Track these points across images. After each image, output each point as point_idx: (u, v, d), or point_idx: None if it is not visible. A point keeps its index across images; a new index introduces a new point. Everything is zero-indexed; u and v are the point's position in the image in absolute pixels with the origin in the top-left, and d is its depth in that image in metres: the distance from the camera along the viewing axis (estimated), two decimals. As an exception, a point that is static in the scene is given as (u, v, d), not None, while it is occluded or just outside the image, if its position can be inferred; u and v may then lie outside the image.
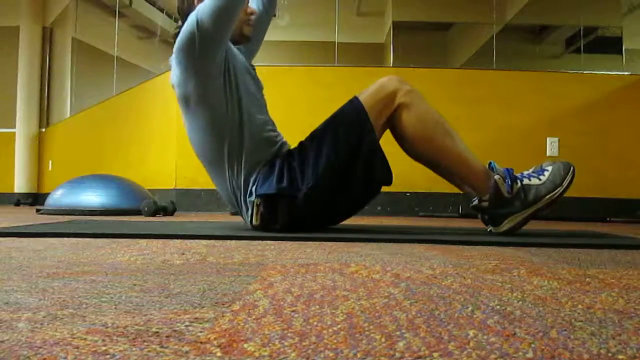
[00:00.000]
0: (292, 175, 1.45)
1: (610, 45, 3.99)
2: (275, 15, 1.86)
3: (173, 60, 1.48)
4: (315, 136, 1.49)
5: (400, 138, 1.54)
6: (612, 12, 4.01)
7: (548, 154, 3.58)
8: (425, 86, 3.62)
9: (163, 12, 5.53)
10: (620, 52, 3.84)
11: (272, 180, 1.45)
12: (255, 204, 1.46)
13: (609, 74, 3.74)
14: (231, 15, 1.42)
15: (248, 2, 1.62)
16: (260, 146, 1.51)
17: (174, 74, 1.50)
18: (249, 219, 1.50)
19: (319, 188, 1.44)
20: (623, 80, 3.71)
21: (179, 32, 1.47)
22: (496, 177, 1.42)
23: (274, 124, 1.61)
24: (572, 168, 1.45)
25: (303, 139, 1.54)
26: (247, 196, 1.50)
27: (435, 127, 1.47)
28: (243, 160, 1.49)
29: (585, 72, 3.75)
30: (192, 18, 1.41)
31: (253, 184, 1.49)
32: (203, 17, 1.39)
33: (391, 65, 4.10)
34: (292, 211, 1.45)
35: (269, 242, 1.24)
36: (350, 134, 1.45)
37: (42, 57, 6.85)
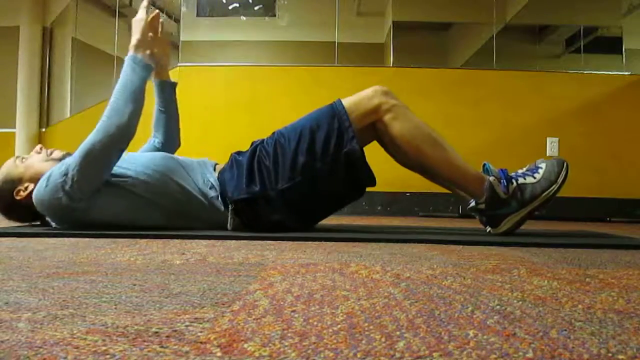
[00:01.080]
0: (264, 176, 1.43)
1: (610, 45, 3.99)
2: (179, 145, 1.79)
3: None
4: (293, 135, 1.45)
5: (390, 151, 1.55)
6: (612, 12, 4.00)
7: (548, 154, 3.58)
8: (425, 86, 3.65)
9: (163, 12, 5.52)
10: (620, 52, 3.84)
11: (241, 182, 1.43)
12: (230, 209, 1.44)
13: (609, 74, 3.74)
14: (118, 152, 1.40)
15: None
16: (197, 197, 1.47)
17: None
18: (228, 224, 1.46)
19: (295, 190, 1.41)
20: (623, 80, 3.70)
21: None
22: (491, 178, 1.42)
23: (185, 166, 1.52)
24: (565, 164, 1.45)
25: (279, 128, 1.51)
26: (217, 199, 1.47)
27: (423, 139, 1.46)
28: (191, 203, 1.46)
29: (585, 72, 3.75)
30: (55, 182, 1.33)
31: (221, 194, 1.46)
32: (74, 179, 1.32)
33: (391, 65, 4.10)
34: (266, 213, 1.43)
35: (269, 242, 1.24)
36: (330, 139, 1.42)
37: (42, 57, 6.84)
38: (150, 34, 1.48)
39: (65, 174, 1.33)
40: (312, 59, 4.26)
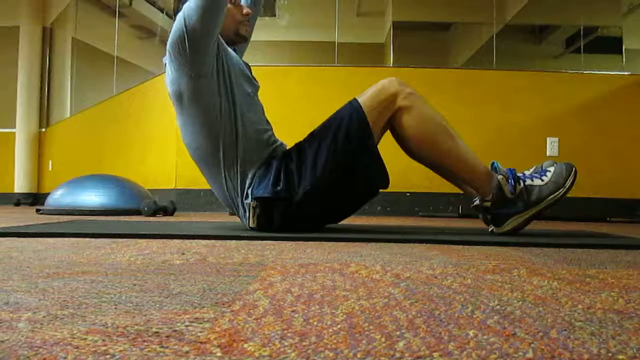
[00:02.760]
0: (289, 178, 1.45)
1: (610, 45, 3.99)
2: (260, 9, 1.85)
3: (167, 59, 1.48)
4: (314, 138, 1.49)
5: (401, 140, 1.54)
6: (612, 12, 4.01)
7: (548, 154, 3.58)
8: (425, 86, 3.64)
9: (163, 12, 5.53)
10: (620, 52, 3.84)
11: (268, 182, 1.45)
12: (251, 206, 1.46)
13: (609, 74, 3.74)
14: (216, 13, 1.42)
15: (239, 1, 1.61)
16: (256, 147, 1.51)
17: (167, 73, 1.50)
18: (247, 220, 1.49)
19: (316, 191, 1.43)
20: (623, 80, 3.71)
21: None
22: (499, 177, 1.42)
23: (269, 124, 1.60)
24: (574, 169, 1.45)
25: (302, 139, 1.54)
26: (244, 198, 1.50)
27: (437, 129, 1.47)
28: (238, 162, 1.49)
29: (585, 72, 3.75)
30: (179, 16, 1.42)
31: (249, 186, 1.49)
32: (189, 16, 1.39)
33: (391, 65, 4.10)
34: (288, 213, 1.45)
35: (269, 242, 1.24)
36: (349, 138, 1.44)
37: (42, 57, 6.85)
38: None
39: (184, 11, 1.40)
40: (312, 59, 4.27)
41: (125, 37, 5.63)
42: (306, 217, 1.48)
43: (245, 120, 1.50)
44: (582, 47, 3.93)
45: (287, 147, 1.57)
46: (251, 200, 1.46)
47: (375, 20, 4.73)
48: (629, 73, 3.73)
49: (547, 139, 3.61)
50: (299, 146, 1.51)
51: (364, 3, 4.80)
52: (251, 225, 1.47)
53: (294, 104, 3.68)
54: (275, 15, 4.64)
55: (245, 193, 1.49)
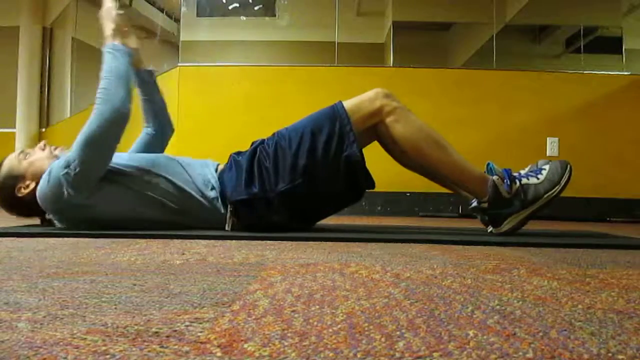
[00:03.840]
0: (264, 177, 1.43)
1: (610, 45, 3.99)
2: (172, 132, 1.81)
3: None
4: (294, 136, 1.45)
5: (392, 154, 1.55)
6: (612, 12, 4.00)
7: (548, 154, 3.58)
8: (425, 86, 3.65)
9: (163, 12, 5.53)
10: (620, 52, 3.84)
11: (240, 183, 1.43)
12: (229, 209, 1.44)
13: (609, 74, 3.73)
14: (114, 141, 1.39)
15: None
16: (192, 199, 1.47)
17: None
18: (225, 224, 1.46)
19: (295, 191, 1.41)
20: (623, 80, 3.70)
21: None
22: (495, 178, 1.42)
23: (181, 167, 1.52)
24: (569, 166, 1.45)
25: (280, 129, 1.51)
26: (217, 200, 1.47)
27: (426, 141, 1.46)
28: (194, 197, 1.47)
29: (585, 72, 3.75)
30: (55, 177, 1.34)
31: (216, 190, 1.47)
32: (73, 166, 1.33)
33: (391, 65, 4.10)
34: (264, 213, 1.43)
35: (269, 242, 1.24)
36: (331, 141, 1.41)
37: (42, 57, 6.84)
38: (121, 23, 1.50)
39: (67, 166, 1.33)
40: (312, 59, 4.26)
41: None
42: (283, 217, 1.45)
43: (166, 197, 1.45)
44: (582, 47, 3.93)
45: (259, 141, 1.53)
46: (229, 205, 1.44)
47: (375, 20, 4.73)
48: (629, 73, 3.73)
49: (547, 139, 3.61)
50: (277, 143, 1.46)
51: (364, 3, 4.80)
52: (227, 228, 1.45)
53: (293, 104, 3.67)
54: (275, 15, 4.64)
55: (217, 196, 1.48)
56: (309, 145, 1.42)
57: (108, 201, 1.41)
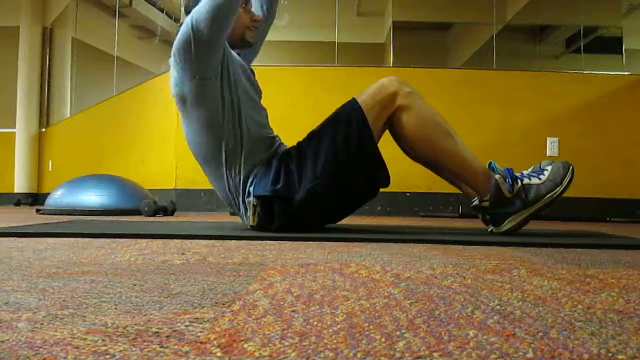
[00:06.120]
0: (289, 177, 1.46)
1: (610, 45, 3.99)
2: (274, 18, 1.85)
3: (171, 60, 1.48)
4: (313, 138, 1.49)
5: (400, 139, 1.54)
6: (612, 12, 4.01)
7: (548, 154, 3.58)
8: (425, 86, 3.63)
9: (163, 12, 5.53)
10: (620, 52, 3.84)
11: (267, 181, 1.46)
12: (252, 204, 1.46)
13: (609, 74, 3.74)
14: (225, 18, 1.42)
15: (250, 6, 1.61)
16: (258, 147, 1.52)
17: (171, 74, 1.50)
18: (247, 219, 1.50)
19: (316, 191, 1.43)
20: (623, 80, 3.71)
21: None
22: (497, 176, 1.42)
23: (270, 127, 1.61)
24: (571, 167, 1.46)
25: (302, 138, 1.54)
26: (245, 196, 1.51)
27: (435, 129, 1.47)
28: (241, 161, 1.50)
29: (585, 72, 3.75)
30: (187, 20, 1.42)
31: (250, 185, 1.49)
32: (198, 20, 1.39)
33: (391, 65, 4.10)
34: (288, 212, 1.45)
35: (269, 242, 1.24)
36: (349, 139, 1.44)
37: (42, 57, 6.85)
38: None
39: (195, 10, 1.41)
40: (312, 59, 4.27)
41: (125, 37, 5.63)
42: (306, 217, 1.48)
43: (249, 123, 1.51)
44: (582, 47, 3.93)
45: (287, 147, 1.57)
46: (252, 199, 1.46)
47: (375, 20, 4.73)
48: (629, 73, 3.73)
49: (547, 139, 3.61)
50: (299, 146, 1.52)
51: (364, 3, 4.80)
52: (251, 223, 1.47)
53: (294, 104, 3.68)
54: (274, 18, 4.64)
55: (247, 191, 1.50)
56: (328, 144, 1.45)
57: (208, 94, 1.46)
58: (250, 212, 1.47)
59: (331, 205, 1.52)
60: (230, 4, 1.42)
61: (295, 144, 1.55)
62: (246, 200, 1.50)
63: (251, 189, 1.49)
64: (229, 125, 1.48)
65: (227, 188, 1.53)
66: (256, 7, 1.74)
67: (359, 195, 1.54)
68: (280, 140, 1.60)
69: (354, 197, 1.54)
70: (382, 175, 1.47)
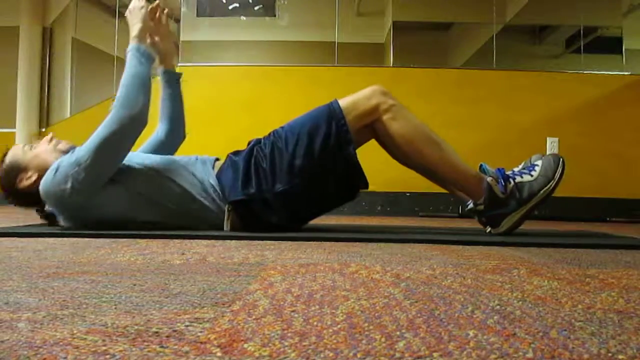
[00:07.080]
0: (261, 178, 1.43)
1: (610, 45, 3.98)
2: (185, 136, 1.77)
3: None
4: (289, 138, 1.44)
5: (389, 151, 1.55)
6: (612, 12, 4.00)
7: (548, 154, 3.58)
8: (425, 86, 3.65)
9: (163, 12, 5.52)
10: (620, 52, 3.84)
11: (237, 183, 1.43)
12: (227, 209, 1.44)
13: (609, 74, 3.73)
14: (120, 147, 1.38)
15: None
16: (196, 192, 1.46)
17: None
18: (224, 224, 1.46)
19: (291, 192, 1.41)
20: (623, 80, 3.70)
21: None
22: (489, 179, 1.42)
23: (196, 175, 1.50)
24: (561, 160, 1.46)
25: (274, 130, 1.50)
26: (218, 200, 1.47)
27: (421, 139, 1.46)
28: (194, 197, 1.46)
29: (585, 72, 3.75)
30: (55, 183, 1.34)
31: (216, 189, 1.46)
32: (77, 173, 1.33)
33: (391, 65, 4.09)
34: (262, 213, 1.43)
35: (269, 242, 1.24)
36: (328, 142, 1.41)
37: (42, 57, 6.84)
38: (151, 23, 1.49)
39: (78, 164, 1.33)
40: (312, 59, 4.26)
41: (125, 37, 5.63)
42: (280, 217, 1.44)
43: (171, 193, 1.45)
44: (582, 47, 3.92)
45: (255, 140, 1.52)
46: (227, 205, 1.44)
47: (375, 20, 4.73)
48: (629, 73, 3.73)
49: (547, 139, 3.61)
50: (272, 145, 1.46)
51: (364, 3, 4.80)
52: (226, 228, 1.45)
53: (293, 104, 3.67)
54: (275, 15, 4.64)
55: (219, 195, 1.47)
56: (305, 146, 1.42)
57: (109, 201, 1.41)
58: (225, 217, 1.45)
59: (306, 206, 1.50)
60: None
61: (263, 139, 1.50)
62: (220, 203, 1.47)
63: (220, 192, 1.46)
64: (149, 206, 1.44)
65: (213, 209, 1.49)
66: (162, 132, 1.70)
67: (335, 197, 1.52)
68: (212, 159, 1.55)
69: (330, 199, 1.52)
70: (360, 180, 1.45)
